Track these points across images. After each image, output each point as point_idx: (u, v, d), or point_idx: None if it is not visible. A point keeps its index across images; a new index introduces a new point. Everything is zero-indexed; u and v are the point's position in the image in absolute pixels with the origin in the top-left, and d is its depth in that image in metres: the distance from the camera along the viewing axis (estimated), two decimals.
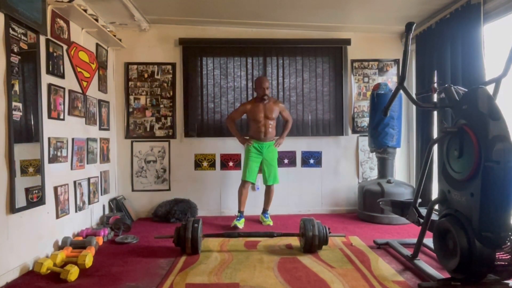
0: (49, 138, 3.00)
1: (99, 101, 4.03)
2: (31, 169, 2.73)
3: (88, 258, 2.68)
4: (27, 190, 2.66)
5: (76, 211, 3.45)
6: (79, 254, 2.72)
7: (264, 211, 4.21)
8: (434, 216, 2.53)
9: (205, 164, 4.63)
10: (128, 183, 4.58)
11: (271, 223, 4.03)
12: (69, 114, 3.35)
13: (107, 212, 4.12)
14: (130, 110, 4.56)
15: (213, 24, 4.53)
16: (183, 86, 4.55)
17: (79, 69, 3.51)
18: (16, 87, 2.56)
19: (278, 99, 4.46)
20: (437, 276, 2.30)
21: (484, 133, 2.08)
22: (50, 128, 3.02)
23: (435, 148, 2.86)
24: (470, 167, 2.13)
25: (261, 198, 4.27)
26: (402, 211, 2.92)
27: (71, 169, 3.39)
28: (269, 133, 4.03)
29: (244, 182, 4.05)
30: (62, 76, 3.24)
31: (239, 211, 4.05)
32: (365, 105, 4.74)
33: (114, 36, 4.09)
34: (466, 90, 2.45)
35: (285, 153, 4.65)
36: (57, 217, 3.11)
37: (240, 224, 3.89)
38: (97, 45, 4.01)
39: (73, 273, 2.46)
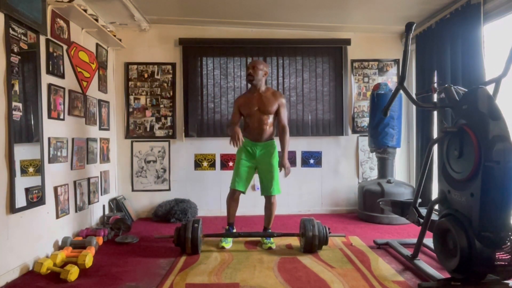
0: (49, 138, 3.00)
1: (99, 101, 4.03)
2: (31, 169, 2.73)
3: (88, 258, 2.68)
4: (27, 190, 2.66)
5: (76, 211, 3.45)
6: (79, 254, 2.71)
7: (265, 229, 3.38)
8: (434, 216, 2.53)
9: (205, 164, 4.63)
10: (128, 183, 4.58)
11: (274, 246, 3.19)
12: (69, 114, 3.35)
13: (107, 212, 4.12)
14: (130, 110, 4.56)
15: (213, 24, 4.53)
16: (183, 86, 4.55)
17: (79, 69, 3.50)
18: (16, 87, 2.56)
19: (281, 93, 3.67)
20: (437, 276, 2.30)
21: (484, 133, 2.08)
22: (50, 128, 3.02)
23: (435, 148, 2.86)
24: (470, 167, 2.13)
25: (261, 197, 3.86)
26: (402, 211, 2.92)
27: (71, 169, 3.39)
28: (265, 132, 3.23)
29: (232, 191, 3.30)
30: (62, 76, 3.24)
31: (228, 224, 3.37)
32: (365, 105, 4.74)
33: (114, 36, 4.09)
34: (466, 90, 2.45)
35: None
36: (57, 217, 3.11)
37: (228, 244, 3.21)
38: (97, 45, 4.01)
39: (73, 273, 2.46)
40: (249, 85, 3.41)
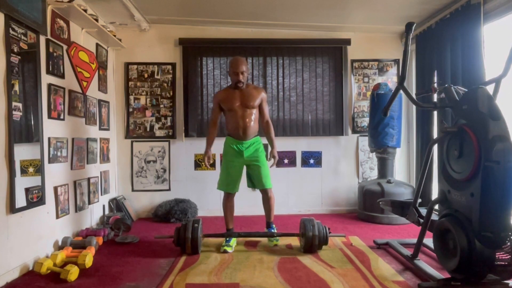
0: (49, 138, 3.00)
1: (99, 101, 4.03)
2: (31, 169, 2.73)
3: (88, 258, 2.68)
4: (27, 190, 2.66)
5: (76, 211, 3.45)
6: (79, 254, 2.72)
7: (268, 224, 3.37)
8: (434, 216, 2.53)
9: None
10: (128, 183, 4.58)
11: (279, 242, 3.26)
12: (69, 114, 3.35)
13: (107, 212, 4.12)
14: (130, 110, 4.56)
15: (213, 24, 4.53)
16: (183, 86, 4.55)
17: (79, 69, 3.50)
18: (16, 87, 2.56)
19: (261, 87, 3.81)
20: (437, 276, 2.30)
21: (484, 133, 2.07)
22: (50, 128, 3.02)
23: (435, 148, 2.86)
24: (470, 167, 2.12)
25: (259, 197, 3.54)
26: (402, 211, 2.92)
27: (71, 169, 3.38)
28: (250, 128, 3.17)
29: (227, 194, 3.29)
30: (62, 76, 3.24)
31: (228, 230, 3.31)
32: (365, 105, 4.74)
33: (114, 36, 4.09)
34: (466, 90, 2.45)
35: (285, 153, 4.65)
36: (57, 217, 3.11)
37: (230, 247, 3.09)
38: (97, 45, 4.01)
39: (73, 273, 2.46)
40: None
